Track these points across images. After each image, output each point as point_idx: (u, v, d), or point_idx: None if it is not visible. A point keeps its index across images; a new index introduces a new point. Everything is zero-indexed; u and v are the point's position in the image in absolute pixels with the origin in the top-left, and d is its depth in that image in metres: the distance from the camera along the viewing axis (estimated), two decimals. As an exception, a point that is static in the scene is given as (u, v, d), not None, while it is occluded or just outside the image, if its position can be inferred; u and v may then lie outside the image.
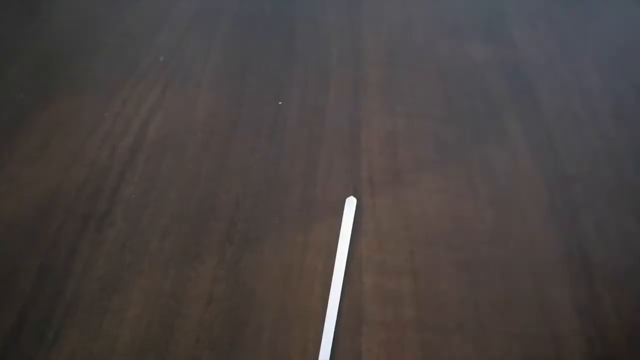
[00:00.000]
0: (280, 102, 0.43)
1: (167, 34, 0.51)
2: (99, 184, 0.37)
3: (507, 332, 0.29)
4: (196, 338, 0.29)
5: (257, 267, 0.32)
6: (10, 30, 0.51)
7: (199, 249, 0.33)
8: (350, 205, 0.35)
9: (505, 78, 0.44)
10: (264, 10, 0.54)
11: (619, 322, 0.29)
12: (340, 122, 0.42)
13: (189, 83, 0.45)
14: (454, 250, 0.33)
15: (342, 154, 0.39)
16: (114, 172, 0.38)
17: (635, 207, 0.35)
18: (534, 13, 0.54)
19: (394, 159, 0.39)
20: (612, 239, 0.33)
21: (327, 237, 0.33)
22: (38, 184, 0.37)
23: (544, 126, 0.41)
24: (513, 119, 0.41)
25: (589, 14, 0.54)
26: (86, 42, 0.50)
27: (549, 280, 0.32)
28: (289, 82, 0.45)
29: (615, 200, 0.36)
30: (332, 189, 0.37)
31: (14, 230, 0.34)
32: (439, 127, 0.40)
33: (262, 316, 0.30)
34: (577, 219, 0.34)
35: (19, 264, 0.32)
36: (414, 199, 0.35)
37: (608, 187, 0.36)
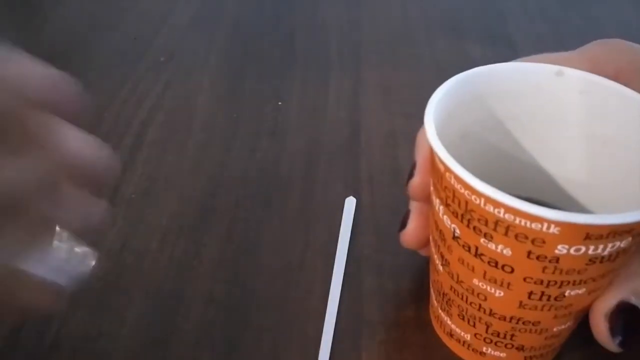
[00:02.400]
0: (280, 102, 0.43)
1: (167, 34, 0.51)
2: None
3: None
4: (196, 338, 0.29)
5: (257, 267, 0.32)
6: (12, 31, 0.51)
7: (199, 249, 0.33)
8: (350, 205, 0.35)
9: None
10: (264, 10, 0.54)
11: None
12: (340, 122, 0.42)
13: (189, 83, 0.45)
14: (454, 250, 0.32)
15: (342, 154, 0.39)
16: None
17: None
18: (533, 13, 0.54)
19: (394, 159, 0.39)
20: None
21: (327, 237, 0.33)
22: (38, 184, 0.37)
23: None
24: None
25: (588, 16, 0.54)
26: (86, 42, 0.50)
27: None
28: (289, 82, 0.46)
29: None
30: (332, 189, 0.37)
31: (14, 230, 0.34)
32: (438, 127, 0.40)
33: (262, 316, 0.30)
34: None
35: (19, 264, 0.32)
36: (413, 199, 0.35)
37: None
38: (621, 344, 0.24)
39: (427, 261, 0.29)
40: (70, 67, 0.24)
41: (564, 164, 0.28)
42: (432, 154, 0.24)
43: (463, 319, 0.26)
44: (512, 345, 0.26)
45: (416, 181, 0.28)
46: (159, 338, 0.29)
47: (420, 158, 0.27)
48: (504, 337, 0.25)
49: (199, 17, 0.53)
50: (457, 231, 0.23)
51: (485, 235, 0.22)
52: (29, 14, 0.53)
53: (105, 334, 0.29)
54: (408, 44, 0.50)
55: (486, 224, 0.22)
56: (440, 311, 0.28)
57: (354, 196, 0.36)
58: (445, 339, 0.28)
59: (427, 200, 0.27)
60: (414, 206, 0.29)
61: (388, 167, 0.38)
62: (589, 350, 0.28)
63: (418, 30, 0.52)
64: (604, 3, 0.56)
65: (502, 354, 0.26)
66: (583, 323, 0.25)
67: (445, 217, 0.24)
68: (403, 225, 0.29)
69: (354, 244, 0.33)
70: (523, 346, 0.26)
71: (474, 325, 0.26)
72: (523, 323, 0.24)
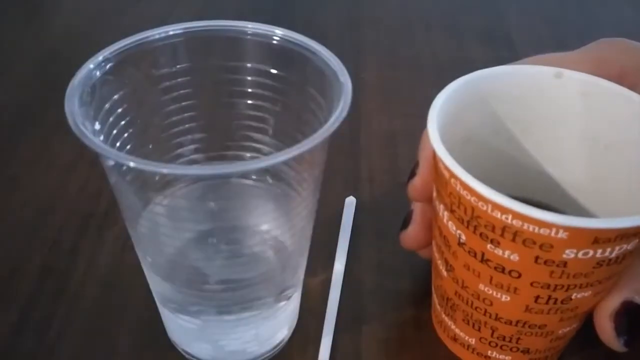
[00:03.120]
0: (280, 102, 0.43)
1: (167, 34, 0.51)
2: (99, 184, 0.37)
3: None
4: (197, 338, 0.29)
5: (257, 267, 0.32)
6: (12, 31, 0.51)
7: (199, 249, 0.33)
8: (350, 205, 0.35)
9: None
10: (264, 10, 0.54)
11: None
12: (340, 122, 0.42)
13: (189, 83, 0.45)
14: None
15: (342, 154, 0.39)
16: (115, 172, 0.38)
17: None
18: (533, 13, 0.54)
19: (394, 159, 0.39)
20: None
21: (327, 237, 0.33)
22: (39, 184, 0.37)
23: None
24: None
25: (588, 16, 0.54)
26: (87, 42, 0.50)
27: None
28: (289, 82, 0.45)
29: None
30: (332, 189, 0.37)
31: (15, 231, 0.34)
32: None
33: (263, 316, 0.30)
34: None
35: (20, 264, 0.32)
36: (413, 199, 0.35)
37: None
38: (626, 344, 0.24)
39: (427, 261, 0.29)
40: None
41: (566, 166, 0.28)
42: (435, 159, 0.24)
43: (468, 323, 0.26)
44: (518, 349, 0.26)
45: (417, 181, 0.27)
46: (159, 337, 0.29)
47: (423, 158, 0.27)
48: (510, 341, 0.25)
49: (199, 18, 0.53)
50: (463, 237, 0.23)
51: (492, 241, 0.22)
52: (31, 15, 0.53)
53: (106, 333, 0.29)
54: (408, 44, 0.50)
55: (493, 230, 0.22)
56: (443, 315, 0.28)
57: (354, 196, 0.36)
58: (449, 343, 0.28)
59: (427, 200, 0.27)
60: (416, 207, 0.29)
61: (388, 167, 0.38)
62: (592, 351, 0.28)
63: (418, 30, 0.52)
64: (604, 3, 0.56)
65: (507, 357, 0.26)
66: (586, 323, 0.25)
67: (450, 223, 0.24)
68: (404, 225, 0.29)
69: (354, 244, 0.33)
70: (528, 349, 0.26)
71: (479, 330, 0.26)
72: (529, 326, 0.24)
